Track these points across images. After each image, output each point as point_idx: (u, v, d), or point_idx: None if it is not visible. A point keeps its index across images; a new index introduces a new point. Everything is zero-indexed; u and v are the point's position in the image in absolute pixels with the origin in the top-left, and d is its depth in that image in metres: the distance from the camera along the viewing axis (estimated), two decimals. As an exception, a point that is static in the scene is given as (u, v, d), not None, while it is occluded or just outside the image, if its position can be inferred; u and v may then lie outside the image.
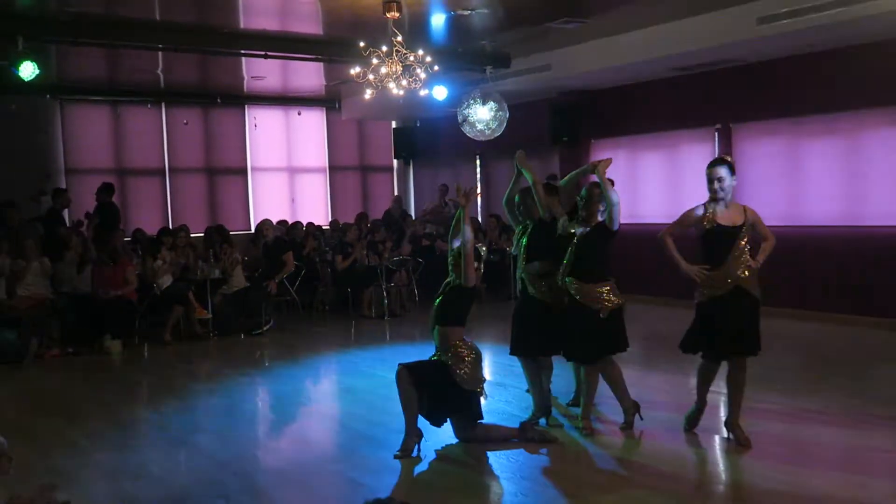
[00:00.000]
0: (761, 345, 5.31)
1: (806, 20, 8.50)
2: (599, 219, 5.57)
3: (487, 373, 6.66)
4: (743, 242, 5.25)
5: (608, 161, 5.68)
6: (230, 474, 5.13)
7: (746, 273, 5.21)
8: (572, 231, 5.67)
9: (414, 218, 15.27)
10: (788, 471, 4.86)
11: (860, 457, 5.07)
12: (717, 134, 11.23)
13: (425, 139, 16.55)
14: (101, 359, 9.24)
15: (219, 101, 14.82)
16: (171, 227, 12.91)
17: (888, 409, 5.99)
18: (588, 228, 5.59)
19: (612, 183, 5.59)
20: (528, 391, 6.21)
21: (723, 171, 5.25)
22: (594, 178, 5.60)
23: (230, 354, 9.37)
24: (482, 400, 5.60)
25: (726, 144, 11.10)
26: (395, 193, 16.81)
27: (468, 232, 5.45)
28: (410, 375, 5.31)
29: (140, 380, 8.39)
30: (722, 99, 11.13)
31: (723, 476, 4.97)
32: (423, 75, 8.81)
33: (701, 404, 5.56)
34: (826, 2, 8.23)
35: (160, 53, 10.89)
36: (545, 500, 4.56)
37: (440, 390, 5.38)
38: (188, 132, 14.83)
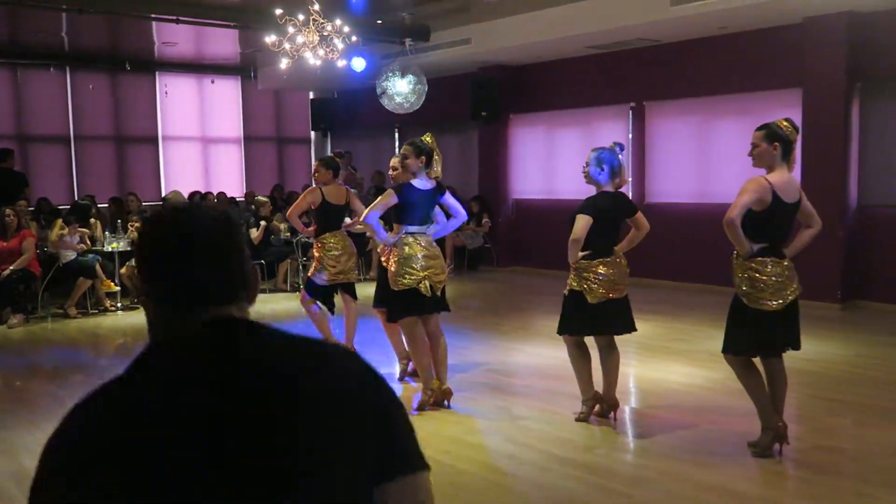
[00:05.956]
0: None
1: (718, 2, 8.73)
2: None
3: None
4: None
5: None
6: (138, 450, 4.99)
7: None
8: None
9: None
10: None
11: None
12: (631, 112, 11.45)
13: (344, 111, 16.34)
14: (1, 333, 8.86)
15: (128, 66, 14.26)
16: (77, 196, 12.45)
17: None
18: None
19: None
20: None
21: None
22: None
23: (139, 328, 9.11)
24: None
25: (640, 122, 11.33)
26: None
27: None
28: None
29: (43, 354, 8.06)
30: (636, 77, 11.33)
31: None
32: (340, 46, 8.67)
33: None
34: (737, -16, 8.46)
35: (64, 15, 10.40)
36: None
37: None
38: (95, 98, 14.26)
